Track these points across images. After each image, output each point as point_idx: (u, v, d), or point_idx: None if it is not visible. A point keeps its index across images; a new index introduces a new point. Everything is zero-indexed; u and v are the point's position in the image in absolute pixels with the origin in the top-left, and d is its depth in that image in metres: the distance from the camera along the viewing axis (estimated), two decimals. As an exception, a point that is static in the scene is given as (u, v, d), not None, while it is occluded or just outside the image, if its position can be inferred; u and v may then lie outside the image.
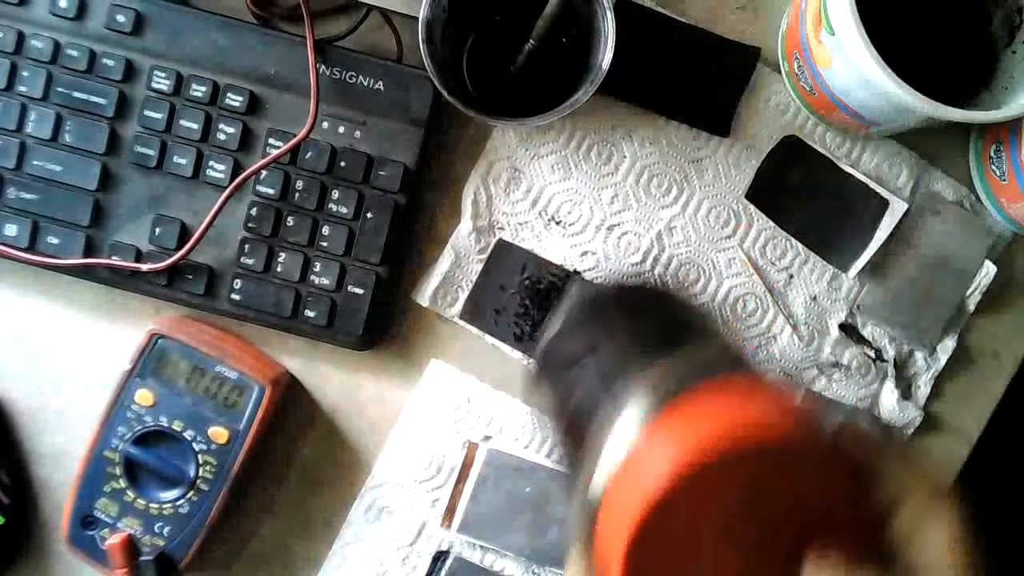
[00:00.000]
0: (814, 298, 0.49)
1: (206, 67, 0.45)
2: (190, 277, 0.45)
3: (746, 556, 0.16)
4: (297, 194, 0.45)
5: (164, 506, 0.43)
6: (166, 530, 0.43)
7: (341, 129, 0.45)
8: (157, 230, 0.45)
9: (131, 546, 0.43)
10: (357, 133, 0.45)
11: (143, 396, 0.43)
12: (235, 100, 0.45)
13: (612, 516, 0.16)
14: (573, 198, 0.48)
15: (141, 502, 0.43)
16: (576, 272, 0.48)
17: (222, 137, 0.45)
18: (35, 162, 0.45)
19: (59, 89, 0.45)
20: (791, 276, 0.49)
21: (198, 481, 0.43)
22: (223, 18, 0.45)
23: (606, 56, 0.41)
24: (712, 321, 0.24)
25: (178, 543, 0.43)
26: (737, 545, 0.16)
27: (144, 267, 0.44)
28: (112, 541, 0.43)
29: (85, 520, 0.44)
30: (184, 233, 0.45)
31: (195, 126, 0.45)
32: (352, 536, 0.47)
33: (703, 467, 0.15)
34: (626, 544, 0.15)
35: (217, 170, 0.45)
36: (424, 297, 0.47)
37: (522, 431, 0.48)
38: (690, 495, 0.15)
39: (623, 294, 0.26)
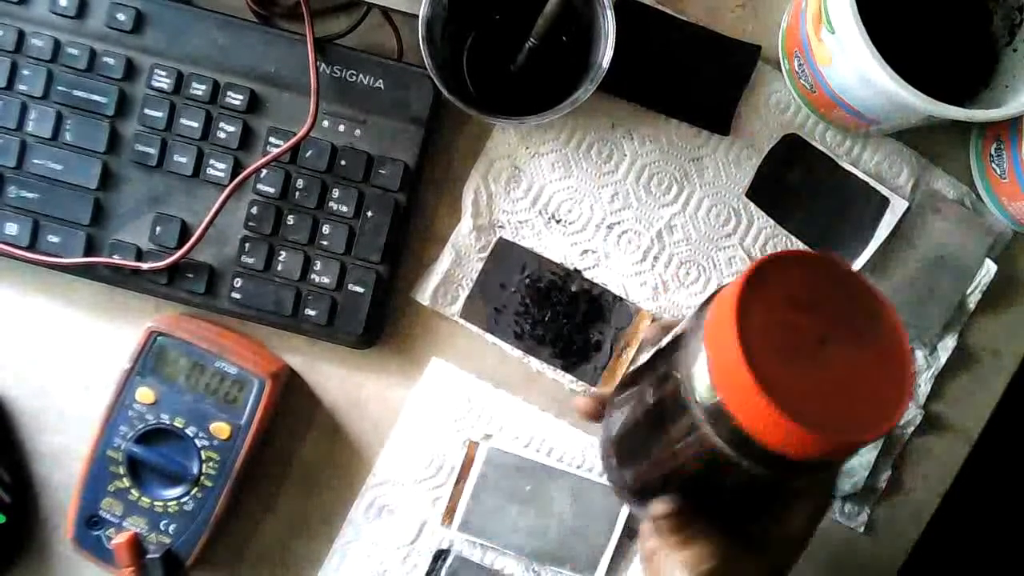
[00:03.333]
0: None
1: (206, 65, 0.45)
2: (191, 276, 0.45)
3: (797, 318, 0.24)
4: (297, 193, 0.45)
5: (169, 504, 0.43)
6: (171, 528, 0.44)
7: (341, 128, 0.45)
8: (157, 229, 0.45)
9: (137, 545, 0.43)
10: (357, 132, 0.45)
11: (144, 394, 0.43)
12: (235, 99, 0.45)
13: (720, 305, 0.24)
14: (573, 196, 0.48)
15: (146, 500, 0.43)
16: (576, 270, 0.48)
17: (222, 136, 0.45)
18: (36, 161, 0.45)
19: (59, 88, 0.45)
20: (791, 274, 0.49)
21: (202, 477, 0.43)
22: (223, 16, 0.45)
23: (606, 54, 0.41)
24: None
25: (184, 540, 0.44)
26: (797, 309, 0.24)
27: (144, 266, 0.44)
28: (118, 540, 0.43)
29: (90, 520, 0.44)
30: (184, 232, 0.45)
31: (195, 125, 0.45)
32: (353, 535, 0.47)
33: (770, 263, 0.24)
34: (735, 308, 0.23)
35: (217, 169, 0.45)
36: (424, 296, 0.47)
37: (522, 430, 0.48)
38: (765, 279, 0.24)
39: None
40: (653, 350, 0.32)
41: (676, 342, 0.28)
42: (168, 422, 0.43)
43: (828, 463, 0.26)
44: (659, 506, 0.30)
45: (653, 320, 0.48)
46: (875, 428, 0.23)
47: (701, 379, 0.25)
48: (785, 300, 0.24)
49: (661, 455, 0.29)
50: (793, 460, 0.24)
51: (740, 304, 0.23)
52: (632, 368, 0.33)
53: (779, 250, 0.25)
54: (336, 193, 0.45)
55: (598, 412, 0.35)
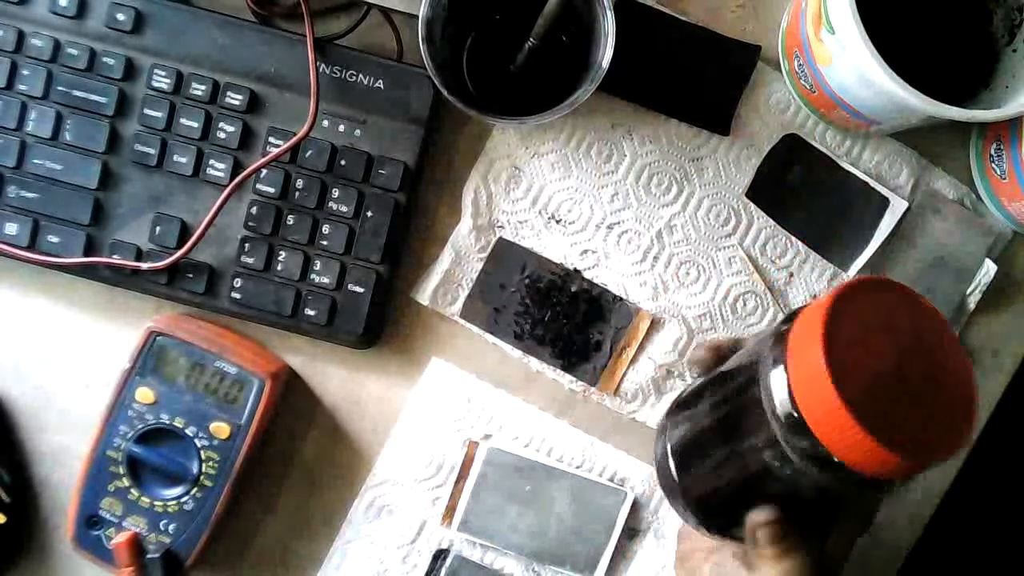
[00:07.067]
0: (815, 297, 0.49)
1: (206, 66, 0.45)
2: (190, 276, 0.45)
3: (876, 342, 0.25)
4: (297, 193, 0.45)
5: (169, 503, 0.44)
6: (171, 527, 0.44)
7: (341, 128, 0.45)
8: (157, 229, 0.45)
9: (137, 544, 0.43)
10: (357, 132, 0.46)
11: (143, 394, 0.43)
12: (235, 99, 0.45)
13: (805, 326, 0.26)
14: (573, 196, 0.48)
15: (146, 500, 0.44)
16: (576, 270, 0.48)
17: (222, 136, 0.45)
18: (35, 161, 0.45)
19: (59, 88, 0.45)
20: (791, 275, 0.49)
21: (202, 477, 0.44)
22: (223, 16, 0.45)
23: (606, 54, 0.41)
24: None
25: (184, 540, 0.44)
26: (877, 334, 0.26)
27: (144, 266, 0.44)
28: (118, 540, 0.43)
29: (90, 520, 0.44)
30: (184, 232, 0.45)
31: (195, 125, 0.45)
32: (353, 534, 0.47)
33: (852, 288, 0.26)
34: (823, 321, 0.25)
35: (217, 169, 0.45)
36: (424, 296, 0.47)
37: (522, 429, 0.48)
38: (850, 303, 0.25)
39: None
40: (718, 370, 0.33)
41: (750, 360, 0.29)
42: (168, 422, 0.43)
43: (892, 481, 0.28)
44: (760, 515, 0.30)
45: (653, 321, 0.48)
46: (946, 450, 0.25)
47: (780, 395, 0.26)
48: (866, 324, 0.25)
49: (731, 467, 0.30)
50: (863, 475, 0.25)
51: (827, 325, 0.24)
52: (691, 387, 0.35)
53: (863, 276, 0.28)
54: (336, 193, 0.45)
55: (714, 363, 0.34)
